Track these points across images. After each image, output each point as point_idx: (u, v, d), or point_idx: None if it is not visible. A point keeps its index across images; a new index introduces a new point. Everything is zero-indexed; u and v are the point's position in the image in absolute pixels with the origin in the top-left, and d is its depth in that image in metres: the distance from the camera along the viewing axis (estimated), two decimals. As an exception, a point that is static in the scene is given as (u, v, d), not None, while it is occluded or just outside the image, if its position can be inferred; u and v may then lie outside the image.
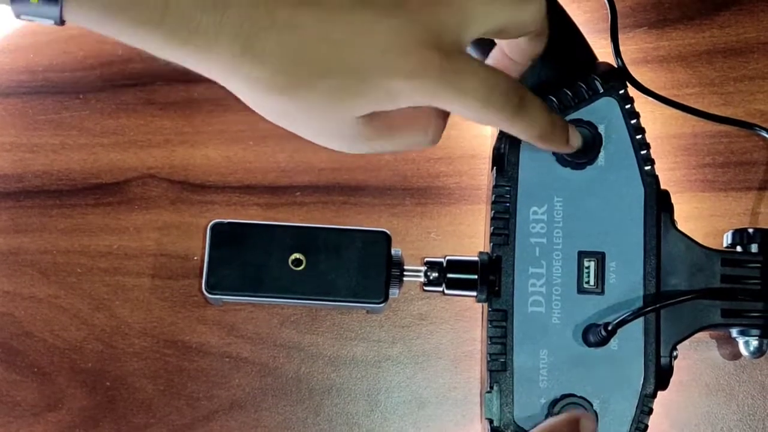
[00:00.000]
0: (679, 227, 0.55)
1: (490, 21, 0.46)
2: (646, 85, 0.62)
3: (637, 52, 0.63)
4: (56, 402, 0.60)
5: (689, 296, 0.54)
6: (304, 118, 0.46)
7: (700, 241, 0.55)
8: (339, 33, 0.43)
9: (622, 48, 0.63)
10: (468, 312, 0.61)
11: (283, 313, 0.61)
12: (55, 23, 0.43)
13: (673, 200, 0.58)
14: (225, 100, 0.63)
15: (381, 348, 0.61)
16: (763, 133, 0.61)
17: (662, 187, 0.55)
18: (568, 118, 0.55)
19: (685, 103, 0.62)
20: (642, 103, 0.60)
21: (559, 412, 0.52)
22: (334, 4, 0.43)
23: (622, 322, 0.52)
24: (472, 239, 0.61)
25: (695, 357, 0.60)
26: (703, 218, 0.62)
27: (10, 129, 0.63)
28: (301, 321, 0.61)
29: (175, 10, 0.42)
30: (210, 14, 0.42)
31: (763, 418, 0.60)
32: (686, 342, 0.60)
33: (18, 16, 0.42)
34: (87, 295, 0.61)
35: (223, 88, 0.63)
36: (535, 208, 0.55)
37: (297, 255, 0.55)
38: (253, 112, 0.63)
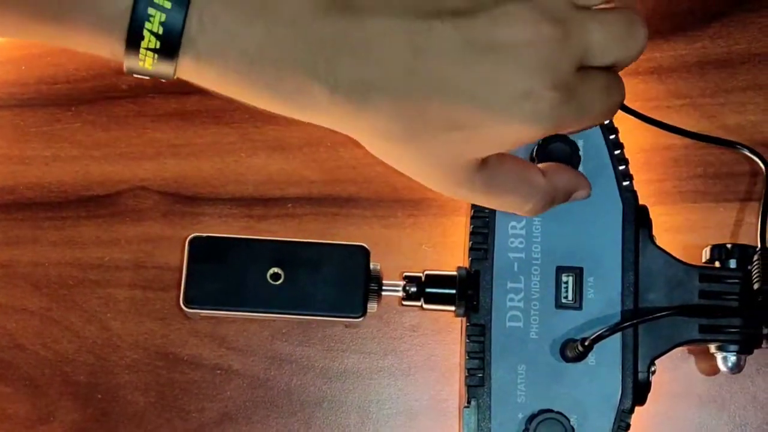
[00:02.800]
0: (663, 241, 0.55)
1: (607, 56, 0.46)
2: (637, 96, 0.63)
3: (628, 63, 0.63)
4: (48, 415, 0.60)
5: (666, 312, 0.54)
6: (418, 163, 0.47)
7: (692, 253, 0.55)
8: (461, 85, 0.43)
9: (613, 59, 0.63)
10: (459, 323, 0.61)
11: (274, 325, 0.61)
12: (165, 80, 0.43)
13: (664, 212, 0.59)
14: (217, 112, 0.63)
15: (372, 360, 0.61)
16: (745, 151, 0.60)
17: (654, 199, 0.56)
18: None
19: (677, 114, 0.63)
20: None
21: (536, 429, 0.52)
22: (454, 55, 0.43)
23: (599, 338, 0.52)
24: (464, 251, 0.61)
25: (686, 368, 0.60)
26: (694, 230, 0.62)
27: (2, 141, 0.63)
28: (292, 333, 0.61)
29: (290, 80, 0.42)
30: (323, 83, 0.42)
31: (755, 429, 0.60)
32: (678, 353, 0.60)
33: (129, 73, 0.43)
34: (79, 308, 0.61)
35: (214, 100, 0.63)
36: (513, 223, 0.55)
37: (275, 269, 0.55)
38: (246, 124, 0.63)
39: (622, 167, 0.56)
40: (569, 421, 0.52)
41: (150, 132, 0.63)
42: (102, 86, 0.64)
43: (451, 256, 0.61)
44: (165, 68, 0.42)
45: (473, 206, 0.55)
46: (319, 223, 0.62)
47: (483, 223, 0.55)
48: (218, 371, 0.61)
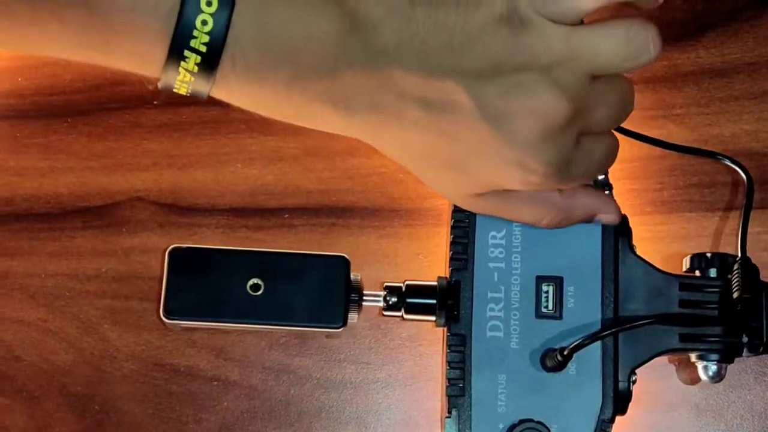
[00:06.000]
0: (643, 250, 0.56)
1: (608, 125, 0.49)
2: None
3: (623, 73, 0.64)
4: (45, 426, 0.60)
5: (646, 321, 0.54)
6: (429, 178, 0.50)
7: (672, 262, 0.55)
8: (462, 142, 0.46)
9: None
10: (456, 334, 0.61)
11: (271, 335, 0.61)
12: (201, 99, 0.44)
13: (644, 221, 0.59)
14: (213, 123, 0.63)
15: (370, 370, 0.61)
16: (726, 161, 0.61)
17: (634, 208, 0.56)
18: None
19: (673, 123, 0.63)
20: (627, 125, 0.60)
21: None
22: (461, 115, 0.45)
23: (578, 347, 0.52)
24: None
25: (683, 377, 0.60)
26: (674, 239, 0.62)
27: (-2, 153, 0.63)
28: (289, 343, 0.61)
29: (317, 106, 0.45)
30: (342, 110, 0.45)
31: (752, 438, 0.60)
32: (675, 361, 0.60)
33: (168, 89, 0.43)
34: (76, 319, 0.61)
35: (210, 111, 0.64)
36: (493, 233, 0.55)
37: (255, 280, 0.55)
38: (242, 134, 0.63)
39: (601, 177, 0.56)
40: (549, 430, 0.52)
41: (146, 143, 0.63)
42: (98, 97, 0.64)
43: (448, 265, 0.61)
44: (202, 86, 0.43)
45: (453, 216, 0.55)
46: (316, 233, 0.62)
47: (463, 233, 0.55)
48: (215, 382, 0.61)
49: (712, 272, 0.56)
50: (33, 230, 0.62)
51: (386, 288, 0.56)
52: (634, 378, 0.54)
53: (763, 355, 0.58)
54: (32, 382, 0.61)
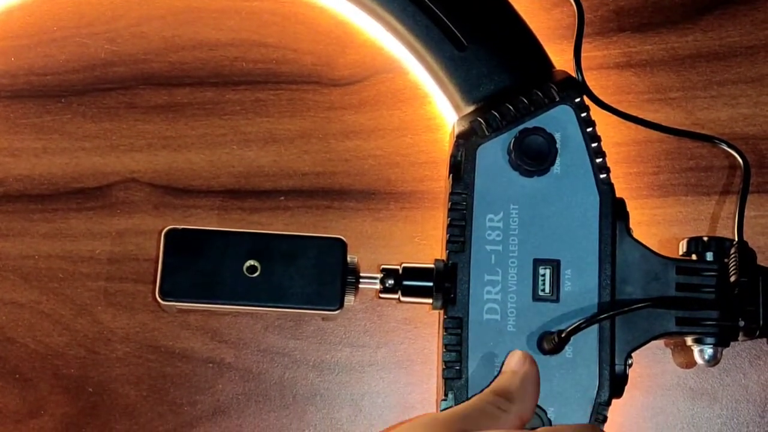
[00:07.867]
0: (639, 233, 0.56)
1: None
2: (630, 89, 0.63)
3: (621, 56, 0.63)
4: (38, 408, 0.60)
5: (643, 304, 0.54)
6: None
7: (668, 246, 0.55)
8: None
9: (605, 52, 0.63)
10: (452, 317, 0.61)
11: (267, 318, 0.61)
12: None
13: (641, 205, 0.59)
14: (208, 104, 0.63)
15: (365, 353, 0.61)
16: (723, 145, 0.61)
17: (631, 192, 0.56)
18: (523, 126, 0.55)
19: (669, 106, 0.63)
20: (624, 108, 0.60)
21: None
22: None
23: (575, 330, 0.52)
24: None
25: (679, 360, 0.60)
26: (671, 223, 0.62)
27: (-8, 133, 0.63)
28: (285, 326, 0.61)
29: None
30: None
31: (747, 421, 0.60)
32: (671, 345, 0.60)
33: None
34: (69, 301, 0.61)
35: (205, 92, 0.63)
36: (491, 216, 0.55)
37: (252, 262, 0.55)
38: (237, 116, 0.63)
39: (599, 160, 0.56)
40: (546, 413, 0.53)
41: (141, 124, 0.63)
42: (92, 78, 0.63)
43: (444, 248, 0.61)
44: None
45: (450, 198, 0.55)
46: (312, 215, 0.62)
47: (460, 216, 0.55)
48: (210, 364, 0.60)
49: (709, 256, 0.56)
50: (26, 211, 0.62)
51: (383, 270, 0.56)
52: (630, 361, 0.54)
53: (759, 339, 0.58)
54: (25, 364, 0.60)
